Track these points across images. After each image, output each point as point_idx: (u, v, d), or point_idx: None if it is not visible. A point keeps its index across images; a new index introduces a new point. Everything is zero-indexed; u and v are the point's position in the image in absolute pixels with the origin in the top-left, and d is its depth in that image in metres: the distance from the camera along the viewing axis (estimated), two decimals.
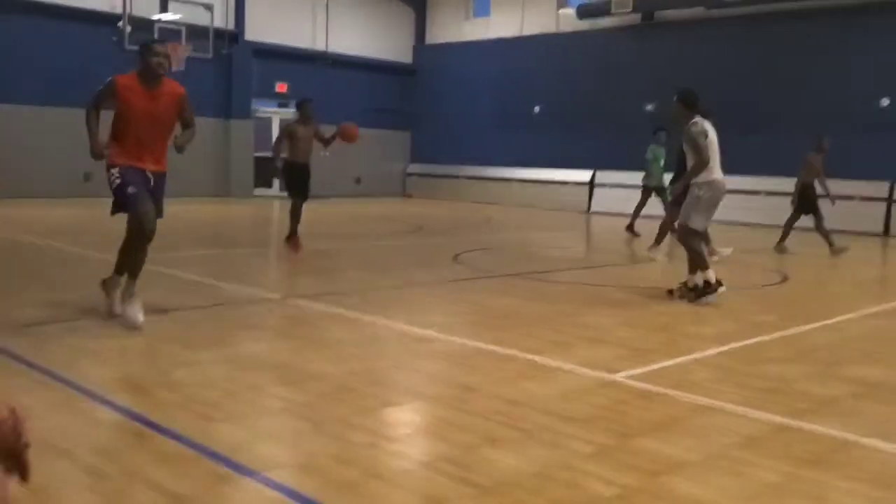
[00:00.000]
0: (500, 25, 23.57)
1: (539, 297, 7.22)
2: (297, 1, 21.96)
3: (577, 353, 5.09)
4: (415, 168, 25.41)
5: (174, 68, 18.04)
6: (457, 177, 23.92)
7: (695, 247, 7.04)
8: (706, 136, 6.95)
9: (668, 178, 12.56)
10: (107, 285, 5.69)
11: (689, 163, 7.04)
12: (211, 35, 19.21)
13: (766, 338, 5.80)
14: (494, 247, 11.50)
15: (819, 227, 11.36)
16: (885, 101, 16.57)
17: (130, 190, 5.24)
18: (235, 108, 20.79)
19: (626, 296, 7.50)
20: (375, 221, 15.63)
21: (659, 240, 10.31)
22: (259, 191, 21.41)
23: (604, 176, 20.62)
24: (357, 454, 3.27)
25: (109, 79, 5.39)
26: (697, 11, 19.35)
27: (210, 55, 19.24)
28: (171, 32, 18.22)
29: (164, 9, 18.51)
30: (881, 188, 16.01)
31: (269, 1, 21.17)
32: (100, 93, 5.40)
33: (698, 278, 7.02)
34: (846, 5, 17.16)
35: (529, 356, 4.94)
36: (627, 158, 19.98)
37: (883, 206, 16.07)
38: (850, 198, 14.96)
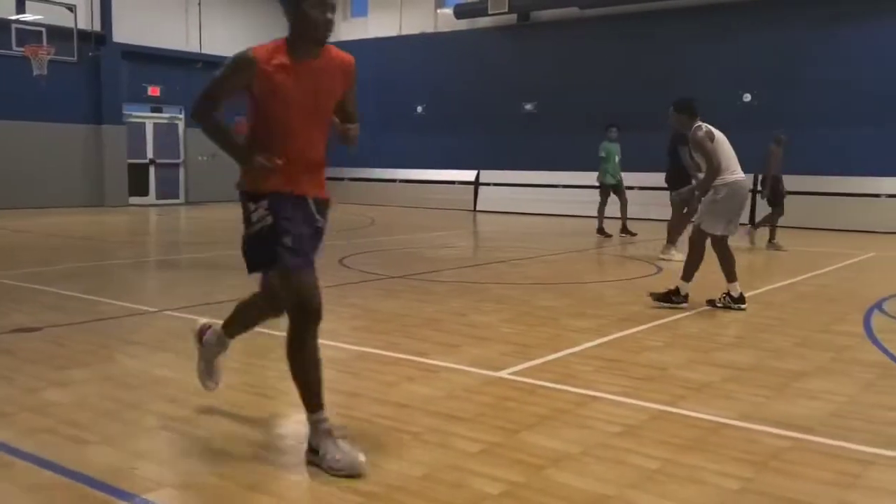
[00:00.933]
0: (378, 25, 23.54)
1: (426, 298, 7.23)
2: (167, 1, 21.24)
3: (463, 353, 5.13)
4: None
5: (35, 73, 17.17)
6: (340, 179, 23.69)
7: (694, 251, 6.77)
8: (713, 138, 6.68)
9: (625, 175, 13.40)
10: (209, 346, 3.93)
11: (703, 168, 6.80)
12: (75, 37, 18.34)
13: (644, 327, 6.02)
14: (380, 249, 11.46)
15: (773, 219, 11.79)
16: (747, 97, 17.48)
17: (288, 242, 3.22)
18: (106, 114, 19.94)
19: (511, 292, 7.61)
20: None
21: (672, 239, 10.28)
22: (134, 199, 20.61)
23: (488, 175, 20.89)
24: (242, 469, 3.18)
25: (240, 53, 3.24)
26: (572, 11, 19.87)
27: (75, 58, 18.37)
28: (30, 34, 17.30)
29: (21, 9, 17.53)
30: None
31: (137, 1, 20.38)
32: (222, 79, 3.27)
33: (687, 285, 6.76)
34: (713, 4, 18.00)
35: (416, 358, 4.94)
36: (510, 157, 20.39)
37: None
38: None
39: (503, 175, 20.46)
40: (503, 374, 4.61)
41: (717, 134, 6.75)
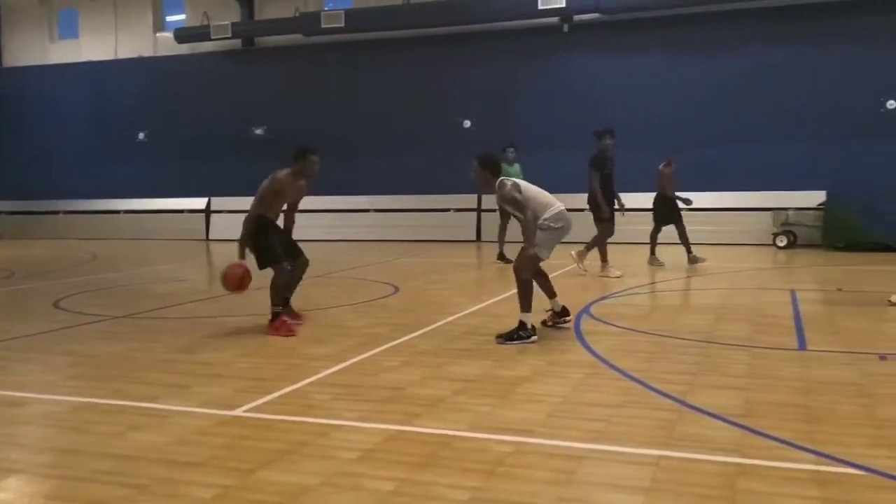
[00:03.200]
0: (91, 48, 22.11)
1: (153, 338, 6.85)
2: None
3: (195, 393, 4.92)
4: (4, 206, 22.68)
5: None
6: (55, 212, 21.87)
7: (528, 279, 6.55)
8: (520, 189, 6.54)
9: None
10: None
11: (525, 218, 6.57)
12: None
13: (381, 348, 6.15)
14: (102, 287, 10.69)
15: (681, 235, 12.13)
16: (467, 123, 18.59)
17: None
18: None
19: (247, 325, 7.43)
20: None
21: (603, 257, 10.85)
22: None
23: (220, 202, 20.29)
24: None
25: None
26: (296, 38, 19.96)
27: None
28: None
29: None
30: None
31: None
32: None
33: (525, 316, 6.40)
34: (430, 35, 18.93)
35: (143, 404, 4.67)
36: (242, 183, 19.93)
37: (474, 215, 18.00)
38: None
39: (236, 202, 19.94)
40: (238, 411, 4.48)
41: (522, 183, 6.72)
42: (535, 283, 6.65)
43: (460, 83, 18.75)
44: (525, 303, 6.38)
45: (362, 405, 4.58)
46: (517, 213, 6.68)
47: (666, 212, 12.26)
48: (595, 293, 9.05)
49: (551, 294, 6.92)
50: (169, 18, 22.10)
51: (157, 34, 21.78)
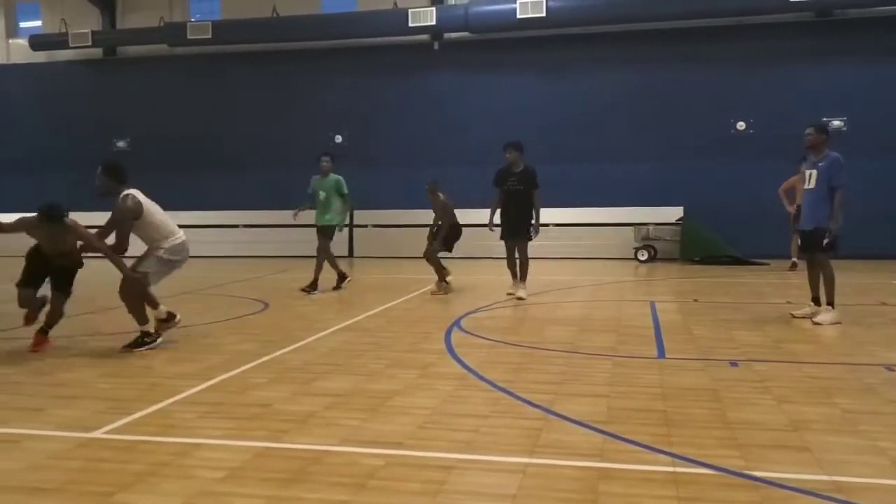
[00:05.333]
0: None
1: (3, 360, 6.43)
2: None
3: (50, 416, 4.65)
4: None
5: None
6: None
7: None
8: (140, 212, 6.62)
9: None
10: None
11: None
12: None
13: (249, 365, 6.02)
14: None
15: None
16: (338, 138, 18.52)
17: None
18: None
19: (108, 344, 7.10)
20: None
21: (522, 276, 10.21)
22: None
23: (78, 218, 19.26)
24: None
25: None
26: (161, 48, 19.34)
27: None
28: None
29: None
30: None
31: None
32: None
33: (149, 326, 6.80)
34: (301, 49, 18.77)
35: None
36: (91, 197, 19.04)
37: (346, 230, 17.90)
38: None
39: (91, 217, 19.01)
40: (97, 433, 4.27)
41: (147, 202, 6.72)
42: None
43: (332, 98, 18.69)
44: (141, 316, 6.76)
45: (228, 423, 4.46)
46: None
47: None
48: (465, 307, 9.18)
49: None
50: (23, 24, 20.94)
51: (11, 40, 20.59)
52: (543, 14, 16.85)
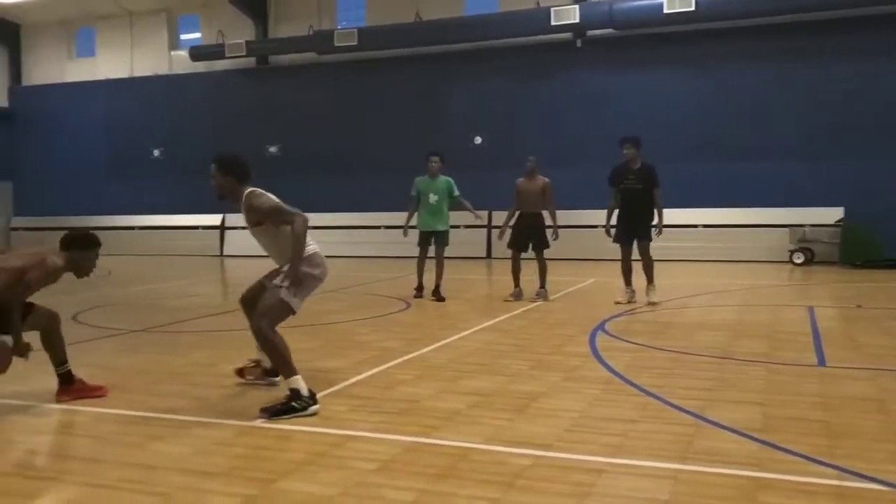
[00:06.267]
0: (107, 66, 22.35)
1: (171, 351, 6.89)
2: None
3: (213, 405, 4.95)
4: (20, 222, 22.90)
5: None
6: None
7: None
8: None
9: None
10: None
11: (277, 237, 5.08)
12: None
13: (395, 362, 6.17)
14: (118, 302, 10.75)
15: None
16: (478, 140, 18.66)
17: None
18: None
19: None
20: None
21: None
22: None
23: (234, 218, 20.41)
24: None
25: None
26: (310, 56, 20.12)
27: None
28: None
29: None
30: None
31: None
32: None
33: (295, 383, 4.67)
34: (440, 52, 19.05)
35: (163, 415, 4.69)
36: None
37: (484, 232, 17.99)
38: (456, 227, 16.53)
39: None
40: (257, 422, 4.50)
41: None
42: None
43: (472, 100, 18.84)
44: (286, 366, 4.74)
45: (378, 417, 4.59)
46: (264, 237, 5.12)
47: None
48: (609, 310, 9.03)
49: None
50: (184, 37, 22.32)
51: (173, 52, 21.99)
52: (692, 8, 16.32)
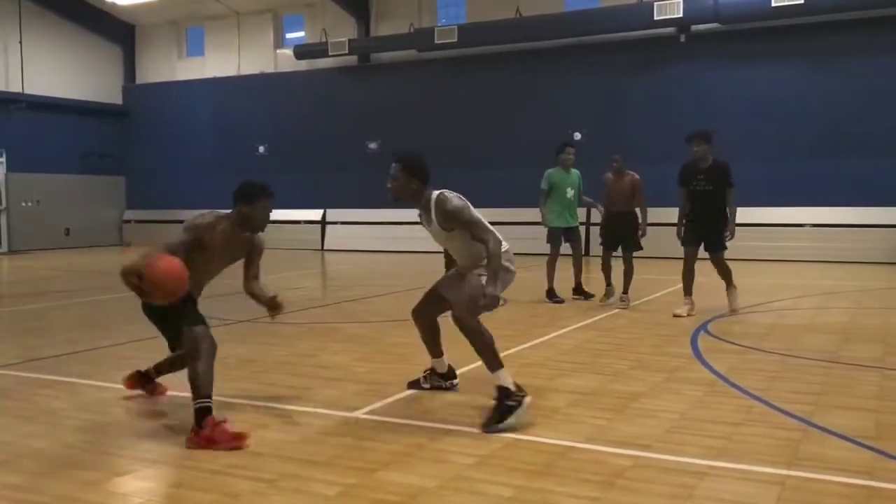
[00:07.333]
0: (215, 65, 23.12)
1: (274, 342, 7.12)
2: None
3: (316, 395, 5.09)
4: (132, 215, 24.02)
5: None
6: (180, 221, 22.78)
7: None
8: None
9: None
10: None
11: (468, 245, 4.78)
12: None
13: None
14: (222, 293, 11.10)
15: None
16: (577, 135, 18.44)
17: None
18: None
19: (362, 331, 7.62)
20: (88, 275, 14.51)
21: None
22: None
23: (335, 213, 20.89)
24: None
25: None
26: (410, 54, 20.32)
27: None
28: None
29: None
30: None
31: None
32: None
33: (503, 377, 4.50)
34: (538, 48, 18.93)
35: (268, 404, 4.86)
36: (356, 195, 20.45)
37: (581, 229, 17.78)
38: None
39: (350, 213, 20.54)
40: (358, 413, 4.61)
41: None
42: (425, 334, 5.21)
43: (572, 95, 18.63)
44: (492, 357, 4.59)
45: (476, 412, 4.61)
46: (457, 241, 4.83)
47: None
48: (712, 311, 8.79)
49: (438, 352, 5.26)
50: (289, 35, 22.90)
51: (278, 51, 22.58)
52: (802, 0, 15.68)
